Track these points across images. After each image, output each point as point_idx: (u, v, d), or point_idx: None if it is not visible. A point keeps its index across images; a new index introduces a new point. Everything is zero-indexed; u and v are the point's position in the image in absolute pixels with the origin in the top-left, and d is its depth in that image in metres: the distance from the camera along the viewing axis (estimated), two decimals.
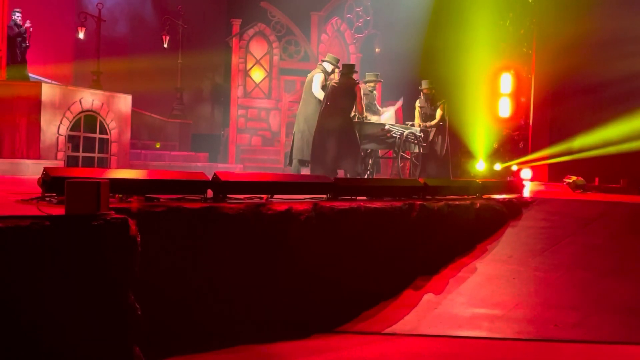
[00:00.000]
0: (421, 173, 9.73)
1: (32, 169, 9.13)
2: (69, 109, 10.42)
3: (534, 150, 13.94)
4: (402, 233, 6.19)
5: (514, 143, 14.13)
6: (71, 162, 10.46)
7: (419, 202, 6.42)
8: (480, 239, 7.03)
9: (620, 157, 11.89)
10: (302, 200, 5.54)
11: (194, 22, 17.33)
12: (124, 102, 11.60)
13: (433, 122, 10.12)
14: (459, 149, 13.37)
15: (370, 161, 9.87)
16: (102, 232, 3.40)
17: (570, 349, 5.17)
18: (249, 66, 16.30)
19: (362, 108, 9.04)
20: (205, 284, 4.69)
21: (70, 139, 10.50)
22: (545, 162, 13.73)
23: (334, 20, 16.66)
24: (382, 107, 10.39)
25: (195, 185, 5.03)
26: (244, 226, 4.86)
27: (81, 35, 14.39)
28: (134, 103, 12.06)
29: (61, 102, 10.34)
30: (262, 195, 5.48)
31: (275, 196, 5.58)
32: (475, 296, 6.03)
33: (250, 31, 16.22)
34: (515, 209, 7.58)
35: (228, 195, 5.16)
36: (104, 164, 11.07)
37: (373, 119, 9.60)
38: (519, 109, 14.27)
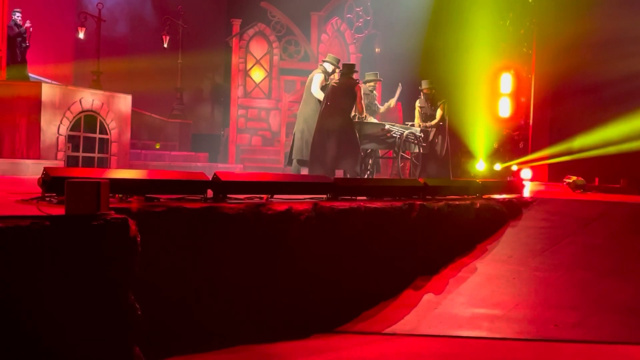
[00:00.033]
0: (421, 173, 9.73)
1: (32, 169, 9.14)
2: (69, 109, 10.42)
3: (534, 150, 13.94)
4: (402, 233, 6.19)
5: (514, 143, 14.14)
6: (71, 162, 10.46)
7: (419, 202, 6.42)
8: (480, 239, 7.03)
9: (620, 157, 11.89)
10: (302, 200, 5.54)
11: (194, 22, 17.32)
12: (124, 102, 11.60)
13: (433, 122, 10.12)
14: (459, 149, 13.37)
15: (370, 161, 9.87)
16: (102, 232, 3.40)
17: (570, 349, 5.16)
18: (249, 66, 16.30)
19: (362, 108, 9.04)
20: (205, 284, 4.69)
21: (70, 139, 10.50)
22: (545, 162, 13.74)
23: (334, 20, 16.66)
24: (382, 106, 10.39)
25: (195, 185, 5.03)
26: (244, 226, 4.86)
27: (81, 35, 14.39)
28: (134, 103, 12.06)
29: (61, 102, 10.34)
30: (262, 195, 5.48)
31: (275, 196, 5.58)
32: (475, 296, 6.03)
33: (250, 31, 16.22)
34: (515, 209, 7.58)
35: (228, 195, 5.16)
36: (104, 164, 11.07)
37: (373, 119, 9.60)
38: (519, 109, 14.28)
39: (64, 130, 10.33)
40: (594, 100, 12.89)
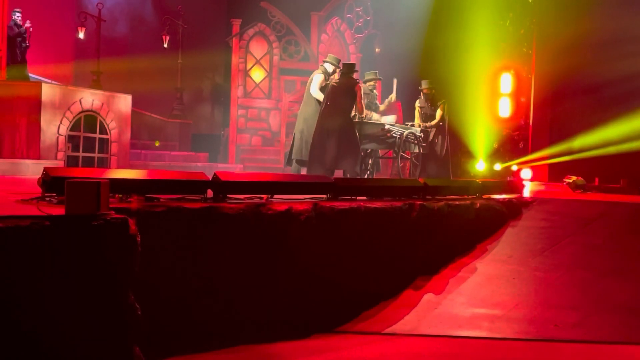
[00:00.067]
0: (421, 173, 9.73)
1: (32, 169, 9.14)
2: (69, 109, 10.42)
3: (534, 150, 13.94)
4: (402, 233, 6.19)
5: (514, 143, 14.14)
6: (71, 162, 10.46)
7: (419, 202, 6.42)
8: (480, 239, 7.03)
9: (620, 157, 11.89)
10: (302, 200, 5.54)
11: (194, 22, 17.32)
12: (124, 102, 11.60)
13: (433, 122, 10.12)
14: (459, 149, 13.37)
15: (370, 161, 9.87)
16: (102, 232, 3.40)
17: (570, 349, 5.16)
18: (249, 66, 16.30)
19: (362, 108, 9.04)
20: (205, 284, 4.69)
21: (70, 139, 10.50)
22: (545, 162, 13.74)
23: (334, 20, 16.66)
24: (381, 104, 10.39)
25: (195, 185, 5.03)
26: (244, 226, 4.86)
27: (81, 35, 14.39)
28: (134, 103, 12.06)
29: (61, 102, 10.34)
30: (262, 195, 5.48)
31: (275, 196, 5.58)
32: (475, 296, 6.03)
33: (250, 31, 16.22)
34: (515, 209, 7.58)
35: (228, 195, 5.16)
36: (104, 164, 11.07)
37: (374, 117, 9.59)
38: (519, 109, 14.28)
39: (64, 130, 10.33)
40: (594, 100, 12.89)
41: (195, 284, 4.63)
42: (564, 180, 10.39)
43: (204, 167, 13.63)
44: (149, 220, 4.24)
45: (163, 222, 4.41)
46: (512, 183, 8.83)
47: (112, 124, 11.24)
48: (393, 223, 6.09)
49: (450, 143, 10.42)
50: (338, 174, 8.81)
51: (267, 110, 16.31)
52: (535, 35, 14.08)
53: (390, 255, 6.08)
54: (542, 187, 11.56)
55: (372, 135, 9.20)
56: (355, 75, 9.11)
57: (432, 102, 10.21)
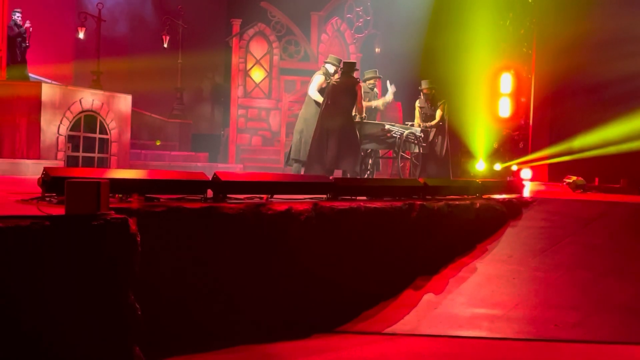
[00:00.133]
0: (421, 173, 9.73)
1: (32, 169, 9.13)
2: (69, 109, 10.42)
3: (534, 150, 13.94)
4: (402, 233, 6.19)
5: (514, 143, 14.13)
6: (71, 162, 10.46)
7: (419, 202, 6.42)
8: (480, 239, 7.03)
9: (620, 157, 11.89)
10: (302, 200, 5.54)
11: (194, 22, 17.32)
12: (124, 102, 11.60)
13: (433, 122, 10.11)
14: (459, 149, 13.37)
15: (370, 161, 9.87)
16: (102, 232, 3.40)
17: (570, 349, 5.17)
18: (249, 66, 16.29)
19: (363, 108, 9.03)
20: (206, 284, 4.69)
21: (70, 139, 10.50)
22: (545, 162, 13.74)
23: (334, 20, 16.66)
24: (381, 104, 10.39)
25: (195, 185, 5.03)
26: (244, 226, 4.86)
27: (81, 35, 14.39)
28: (134, 103, 12.06)
29: (61, 102, 10.34)
30: (262, 195, 5.48)
31: (275, 196, 5.58)
32: (475, 296, 6.03)
33: (250, 31, 16.22)
34: (515, 209, 7.58)
35: (228, 195, 5.16)
36: (104, 164, 11.07)
37: (374, 103, 9.60)
38: (519, 109, 14.28)
39: (64, 130, 10.33)
40: (594, 100, 12.89)
41: (196, 284, 4.63)
42: (564, 180, 10.39)
43: (204, 167, 13.63)
44: (149, 220, 4.24)
45: (163, 222, 4.41)
46: (512, 183, 8.83)
47: (112, 124, 11.24)
48: (393, 223, 6.09)
49: (450, 143, 10.42)
50: (337, 173, 8.81)
51: (267, 110, 16.30)
52: (535, 35, 14.08)
53: (390, 255, 6.08)
54: (542, 187, 11.56)
55: (372, 135, 9.19)
56: (355, 75, 9.08)
57: (432, 102, 10.21)
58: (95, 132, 10.98)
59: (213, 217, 4.70)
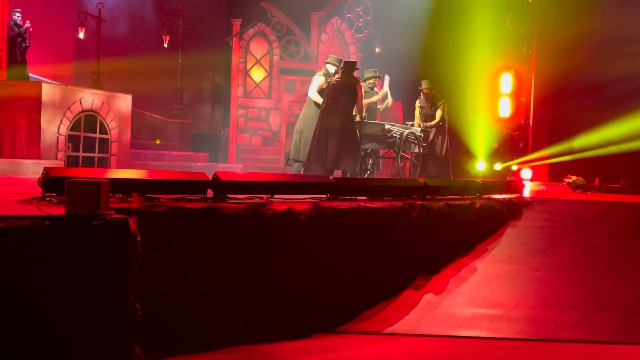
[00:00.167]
0: (421, 173, 9.73)
1: (32, 169, 9.14)
2: (69, 108, 10.43)
3: (534, 150, 13.94)
4: (402, 233, 6.19)
5: (514, 143, 14.14)
6: (71, 162, 10.47)
7: (419, 202, 6.42)
8: (480, 239, 7.03)
9: (620, 157, 11.89)
10: (302, 200, 5.54)
11: (194, 22, 17.33)
12: (124, 102, 11.60)
13: (433, 122, 10.11)
14: (459, 149, 13.37)
15: (370, 161, 9.87)
16: (102, 232, 3.40)
17: (570, 349, 5.17)
18: (249, 66, 16.30)
19: (363, 107, 9.02)
20: (206, 284, 4.69)
21: (71, 138, 10.51)
22: (545, 162, 13.74)
23: (334, 20, 16.66)
24: (381, 105, 10.40)
25: (195, 185, 5.03)
26: (244, 226, 4.86)
27: (81, 35, 14.39)
28: (134, 103, 12.06)
29: (61, 102, 10.35)
30: (262, 195, 5.48)
31: (275, 196, 5.58)
32: (475, 296, 6.02)
33: (250, 31, 16.22)
34: (515, 209, 7.58)
35: (228, 195, 5.16)
36: (104, 163, 11.07)
37: (374, 98, 9.61)
38: (519, 108, 14.28)
39: (64, 130, 10.34)
40: (594, 100, 12.89)
41: (196, 284, 4.63)
42: (564, 180, 10.39)
43: (204, 167, 13.63)
44: (149, 220, 4.24)
45: (163, 222, 4.41)
46: (512, 183, 8.83)
47: (112, 124, 11.24)
48: (393, 223, 6.09)
49: (450, 143, 10.42)
50: (337, 173, 8.80)
51: (267, 110, 16.31)
52: (535, 35, 14.08)
53: (390, 255, 6.08)
54: (542, 187, 11.56)
55: (372, 135, 9.18)
56: (356, 74, 9.07)
57: (432, 102, 10.21)
58: (95, 132, 10.98)
59: (213, 217, 4.70)
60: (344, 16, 16.88)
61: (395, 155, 9.46)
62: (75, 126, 10.55)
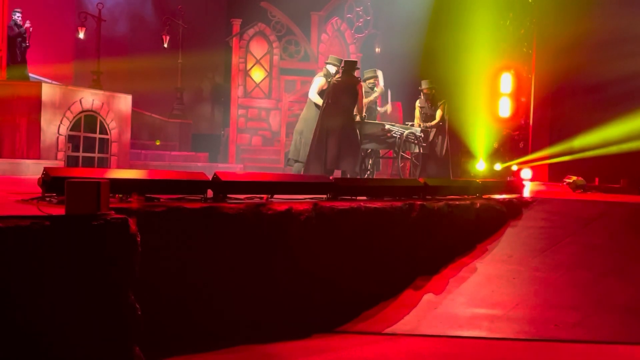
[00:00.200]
0: (421, 173, 9.73)
1: (32, 169, 9.14)
2: (69, 109, 10.43)
3: (534, 150, 13.94)
4: (402, 233, 6.19)
5: (514, 143, 14.14)
6: (71, 162, 10.47)
7: (419, 202, 6.42)
8: (480, 239, 7.03)
9: (620, 157, 11.89)
10: (302, 200, 5.54)
11: (194, 22, 17.33)
12: (124, 102, 11.60)
13: (433, 122, 10.11)
14: (459, 149, 13.37)
15: (370, 161, 9.87)
16: (102, 232, 3.40)
17: (570, 349, 5.16)
18: (249, 66, 16.30)
19: (363, 107, 9.02)
20: (205, 284, 4.69)
21: (71, 139, 10.51)
22: (545, 162, 13.74)
23: (334, 20, 16.66)
24: (381, 108, 10.41)
25: (195, 185, 5.03)
26: (244, 226, 4.86)
27: (81, 35, 14.39)
28: (134, 103, 12.07)
29: (61, 102, 10.35)
30: (262, 195, 5.48)
31: (275, 196, 5.58)
32: (475, 296, 6.02)
33: (250, 31, 16.22)
34: (515, 209, 7.58)
35: (228, 195, 5.16)
36: (104, 164, 11.07)
37: (373, 96, 9.60)
38: (519, 109, 14.28)
39: (64, 130, 10.34)
40: (594, 100, 12.89)
41: (196, 283, 4.63)
42: (564, 180, 10.39)
43: (204, 167, 13.63)
44: (149, 220, 4.24)
45: (163, 222, 4.41)
46: (512, 183, 8.83)
47: (112, 124, 11.24)
48: (393, 223, 6.09)
49: (450, 143, 10.42)
50: (337, 173, 8.79)
51: (267, 110, 16.31)
52: (535, 35, 14.08)
53: (390, 255, 6.08)
54: (542, 187, 11.56)
55: (372, 135, 9.18)
56: (356, 73, 9.05)
57: (432, 102, 10.21)
58: (95, 132, 10.99)
59: (213, 217, 4.70)
60: (344, 16, 16.89)
61: (395, 155, 9.46)
62: (75, 126, 10.55)
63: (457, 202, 6.94)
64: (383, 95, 10.25)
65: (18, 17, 11.13)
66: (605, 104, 12.59)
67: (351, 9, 17.05)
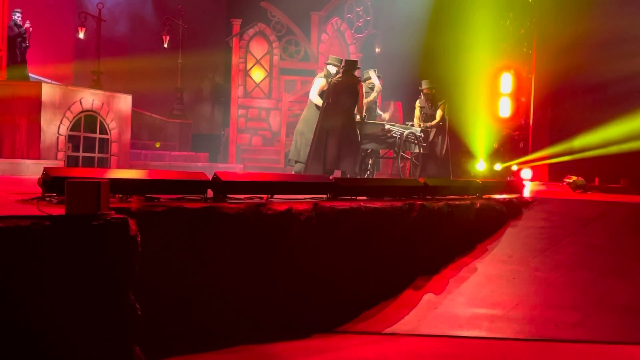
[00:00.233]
0: (421, 173, 9.72)
1: (32, 169, 9.14)
2: (69, 109, 10.43)
3: (534, 150, 13.94)
4: (402, 233, 6.19)
5: (514, 143, 14.14)
6: (71, 162, 10.47)
7: (419, 202, 6.42)
8: (480, 239, 7.03)
9: (620, 157, 11.89)
10: (302, 200, 5.54)
11: (194, 22, 17.33)
12: (124, 102, 11.61)
13: (433, 122, 10.11)
14: (459, 149, 13.37)
15: (370, 161, 9.86)
16: (102, 232, 3.40)
17: (570, 349, 5.16)
18: (249, 66, 16.30)
19: (363, 107, 9.01)
20: (205, 284, 4.69)
21: (71, 139, 10.51)
22: (545, 162, 13.74)
23: (334, 20, 16.67)
24: (381, 111, 10.42)
25: (195, 185, 5.03)
26: (244, 226, 4.86)
27: (81, 35, 14.39)
28: (134, 103, 12.07)
29: (61, 102, 10.35)
30: (262, 195, 5.48)
31: (276, 196, 5.58)
32: (475, 296, 6.02)
33: (250, 31, 16.23)
34: (515, 209, 7.58)
35: (228, 195, 5.16)
36: (104, 164, 11.07)
37: (372, 95, 9.59)
38: (519, 109, 14.28)
39: (64, 130, 10.34)
40: (594, 100, 12.90)
41: (196, 283, 4.63)
42: (564, 180, 10.39)
43: (204, 167, 13.64)
44: (149, 220, 4.24)
45: (163, 222, 4.41)
46: (512, 183, 8.83)
47: (112, 124, 11.24)
48: (393, 223, 6.09)
49: (450, 143, 10.42)
50: (337, 173, 8.79)
51: (267, 110, 16.31)
52: (535, 35, 14.08)
53: (390, 255, 6.07)
54: (542, 187, 11.56)
55: (372, 135, 9.18)
56: (357, 73, 9.04)
57: (432, 102, 10.21)
58: (95, 132, 10.99)
59: (213, 217, 4.70)
60: (344, 16, 16.89)
61: (395, 155, 9.46)
62: (75, 126, 10.56)
63: (457, 202, 6.94)
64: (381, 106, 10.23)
65: (18, 17, 11.13)
66: (605, 104, 12.61)
67: (351, 9, 17.06)
